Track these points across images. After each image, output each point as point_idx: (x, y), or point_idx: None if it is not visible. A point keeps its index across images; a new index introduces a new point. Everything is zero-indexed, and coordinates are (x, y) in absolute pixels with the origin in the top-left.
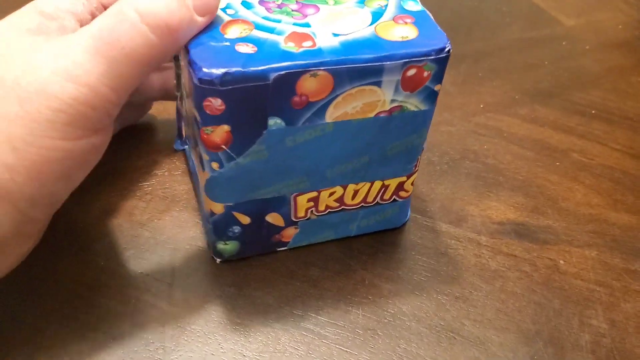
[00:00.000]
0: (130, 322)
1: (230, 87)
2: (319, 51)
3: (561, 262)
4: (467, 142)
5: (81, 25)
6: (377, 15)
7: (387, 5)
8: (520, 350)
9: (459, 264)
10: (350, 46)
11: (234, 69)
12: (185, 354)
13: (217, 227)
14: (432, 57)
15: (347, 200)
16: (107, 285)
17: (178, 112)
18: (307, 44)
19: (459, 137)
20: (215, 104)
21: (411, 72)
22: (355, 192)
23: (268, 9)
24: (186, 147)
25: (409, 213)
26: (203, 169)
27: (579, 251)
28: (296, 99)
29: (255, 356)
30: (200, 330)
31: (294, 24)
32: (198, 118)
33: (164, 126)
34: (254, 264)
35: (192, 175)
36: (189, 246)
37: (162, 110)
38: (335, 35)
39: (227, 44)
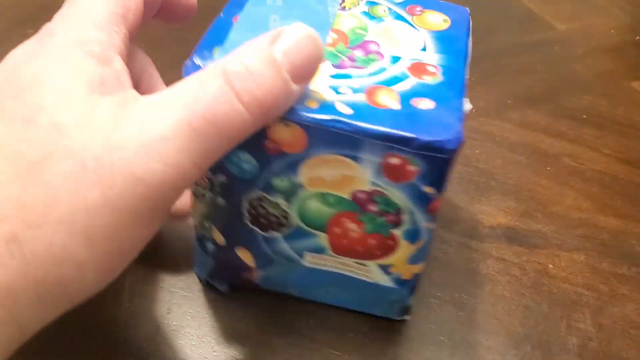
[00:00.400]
0: (123, 325)
1: None
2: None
3: (550, 266)
4: None
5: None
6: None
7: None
8: (508, 354)
9: (450, 267)
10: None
11: None
12: (179, 358)
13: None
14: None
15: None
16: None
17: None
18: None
19: None
20: None
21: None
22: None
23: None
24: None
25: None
26: None
27: (568, 255)
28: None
29: (248, 359)
30: (193, 334)
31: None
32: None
33: None
34: None
35: None
36: (183, 250)
37: None
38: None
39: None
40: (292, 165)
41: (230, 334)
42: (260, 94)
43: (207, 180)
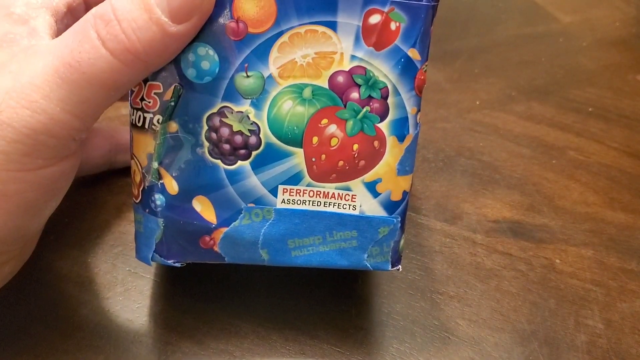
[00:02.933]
0: (117, 320)
1: None
2: None
3: (557, 261)
4: (462, 139)
5: (56, 21)
6: None
7: None
8: (515, 351)
9: (454, 262)
10: None
11: None
12: (174, 353)
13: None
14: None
15: None
16: (94, 282)
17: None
18: None
19: (455, 134)
20: None
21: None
22: None
23: None
24: None
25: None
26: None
27: (575, 250)
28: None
29: (246, 356)
30: (189, 330)
31: None
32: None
33: None
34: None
35: None
36: None
37: None
38: None
39: None
40: (261, 51)
41: (228, 329)
42: (127, 39)
43: (154, 98)
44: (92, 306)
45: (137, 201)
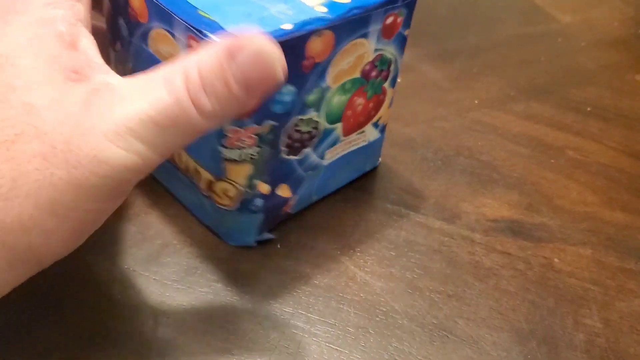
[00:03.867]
0: (116, 319)
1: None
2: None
3: (556, 260)
4: (461, 138)
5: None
6: None
7: None
8: (513, 350)
9: (453, 261)
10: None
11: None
12: (173, 352)
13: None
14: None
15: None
16: (93, 281)
17: None
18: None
19: (454, 133)
20: None
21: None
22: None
23: None
24: None
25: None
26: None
27: (574, 249)
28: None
29: (243, 354)
30: (187, 328)
31: None
32: None
33: None
34: (242, 259)
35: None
36: (176, 241)
37: None
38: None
39: None
40: (321, 73)
41: (226, 327)
42: (211, 106)
43: (252, 137)
44: (90, 304)
45: (233, 208)
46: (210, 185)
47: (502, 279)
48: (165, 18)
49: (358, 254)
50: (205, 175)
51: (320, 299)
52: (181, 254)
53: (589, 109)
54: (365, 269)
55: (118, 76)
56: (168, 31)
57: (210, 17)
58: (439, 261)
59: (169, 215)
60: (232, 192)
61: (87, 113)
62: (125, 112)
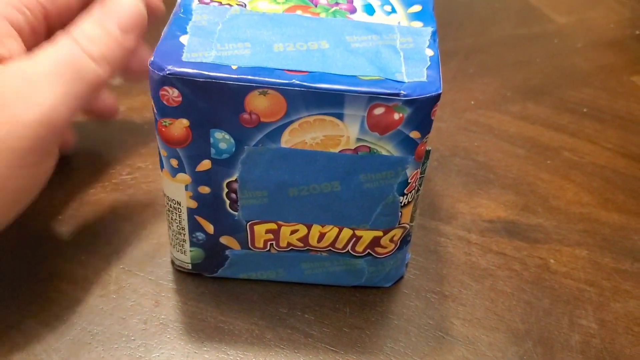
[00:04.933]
0: (110, 319)
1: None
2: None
3: (551, 261)
4: (457, 138)
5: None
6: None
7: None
8: (509, 350)
9: (449, 262)
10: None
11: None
12: (167, 352)
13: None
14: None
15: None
16: (87, 280)
17: None
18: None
19: (449, 133)
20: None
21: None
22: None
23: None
24: None
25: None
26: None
27: (570, 250)
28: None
29: (239, 354)
30: (182, 328)
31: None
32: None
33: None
34: None
35: None
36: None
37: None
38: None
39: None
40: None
41: (221, 328)
42: (101, 51)
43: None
44: (85, 304)
45: (394, 251)
46: (374, 242)
47: (498, 279)
48: (326, 101)
49: None
50: (370, 235)
51: (316, 299)
52: None
53: (584, 110)
54: None
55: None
56: (329, 114)
57: (379, 77)
58: (435, 261)
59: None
60: (398, 234)
61: None
62: (33, 71)
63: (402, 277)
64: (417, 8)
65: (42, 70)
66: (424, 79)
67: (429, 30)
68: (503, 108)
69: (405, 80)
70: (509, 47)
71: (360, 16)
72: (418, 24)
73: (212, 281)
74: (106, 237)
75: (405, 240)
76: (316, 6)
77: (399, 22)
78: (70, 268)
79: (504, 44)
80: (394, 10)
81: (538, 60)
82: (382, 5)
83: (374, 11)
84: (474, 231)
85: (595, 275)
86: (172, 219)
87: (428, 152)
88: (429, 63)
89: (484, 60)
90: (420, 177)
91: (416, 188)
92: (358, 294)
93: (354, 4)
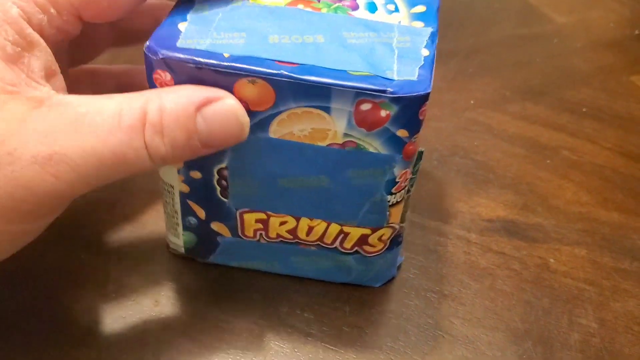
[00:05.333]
0: (111, 318)
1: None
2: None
3: (551, 260)
4: (456, 138)
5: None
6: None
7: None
8: (509, 349)
9: (448, 261)
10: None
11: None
12: (168, 351)
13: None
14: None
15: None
16: (87, 279)
17: None
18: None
19: (449, 133)
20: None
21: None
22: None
23: None
24: None
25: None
26: None
27: (569, 249)
28: None
29: (239, 353)
30: (182, 327)
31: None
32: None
33: None
34: None
35: None
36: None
37: None
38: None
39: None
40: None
41: (221, 327)
42: (167, 151)
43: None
44: (85, 302)
45: (383, 250)
46: (362, 240)
47: (498, 278)
48: (314, 94)
49: None
50: (358, 232)
51: (315, 298)
52: (177, 254)
53: (584, 109)
54: None
55: (68, 95)
56: (316, 106)
57: (368, 73)
58: (434, 261)
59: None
60: (387, 234)
61: (20, 125)
62: (67, 138)
63: (393, 278)
64: (421, 8)
65: (82, 144)
66: (415, 77)
67: (429, 30)
68: (503, 108)
69: (395, 78)
70: (508, 47)
71: (362, 13)
72: (419, 24)
73: (212, 280)
74: (106, 236)
75: (395, 241)
76: (319, 1)
77: (399, 21)
78: (69, 267)
79: (504, 44)
80: (397, 10)
81: (537, 60)
82: (386, 4)
83: (377, 9)
84: (473, 230)
85: (594, 275)
86: (166, 202)
87: (421, 153)
88: (422, 63)
89: (484, 60)
90: (411, 178)
91: (406, 188)
92: (357, 293)
93: (357, 1)
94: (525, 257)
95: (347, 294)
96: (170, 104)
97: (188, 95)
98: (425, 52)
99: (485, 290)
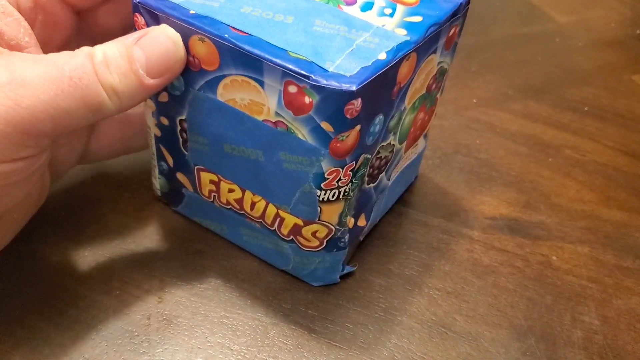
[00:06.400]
0: (114, 315)
1: None
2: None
3: (554, 258)
4: (459, 136)
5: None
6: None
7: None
8: (512, 346)
9: (451, 258)
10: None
11: None
12: (171, 348)
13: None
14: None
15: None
16: (90, 276)
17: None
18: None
19: (452, 131)
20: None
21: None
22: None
23: None
24: None
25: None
26: None
27: (572, 247)
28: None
29: (242, 350)
30: (186, 324)
31: None
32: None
33: None
34: (241, 256)
35: None
36: (175, 238)
37: None
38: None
39: None
40: (403, 96)
41: (225, 324)
42: (113, 79)
43: (349, 174)
44: (88, 299)
45: (320, 249)
46: (296, 229)
47: (501, 276)
48: (250, 64)
49: (357, 250)
50: (292, 220)
51: (319, 295)
52: (179, 250)
53: (586, 108)
54: (364, 265)
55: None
56: (253, 78)
57: (306, 58)
58: (437, 258)
59: (167, 211)
60: (322, 232)
61: None
62: (26, 67)
63: (335, 284)
64: (416, 19)
65: (40, 71)
66: (350, 74)
67: (404, 38)
68: (505, 106)
69: (330, 69)
70: (510, 45)
71: (352, 9)
72: (401, 32)
73: (216, 278)
74: (109, 233)
75: (334, 244)
76: None
77: (383, 25)
78: (73, 264)
79: (506, 42)
80: (391, 15)
81: (539, 59)
82: (385, 7)
83: (370, 9)
84: (476, 228)
85: (597, 272)
86: (150, 144)
87: (367, 160)
88: (369, 64)
89: (486, 59)
90: (351, 182)
91: (343, 190)
92: (361, 290)
93: None
94: (528, 254)
95: (350, 291)
96: (112, 43)
97: (129, 35)
98: (382, 56)
99: (488, 287)
